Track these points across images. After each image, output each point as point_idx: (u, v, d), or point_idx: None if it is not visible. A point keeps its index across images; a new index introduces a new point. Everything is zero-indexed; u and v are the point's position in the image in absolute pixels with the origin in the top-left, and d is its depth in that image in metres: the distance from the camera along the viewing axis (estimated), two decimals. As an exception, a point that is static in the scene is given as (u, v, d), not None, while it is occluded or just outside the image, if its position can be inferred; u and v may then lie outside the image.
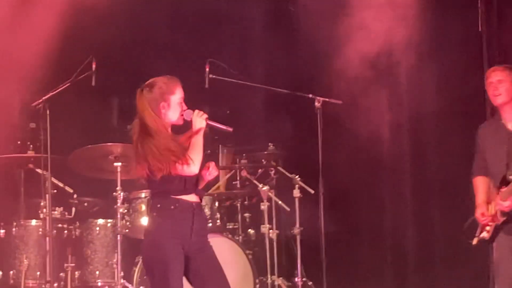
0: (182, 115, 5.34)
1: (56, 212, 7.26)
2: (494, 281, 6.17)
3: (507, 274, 6.03)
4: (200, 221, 5.29)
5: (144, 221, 7.17)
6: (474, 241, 6.21)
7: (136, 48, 8.47)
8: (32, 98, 7.19)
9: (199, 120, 5.31)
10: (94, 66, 7.02)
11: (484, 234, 6.12)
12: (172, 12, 8.35)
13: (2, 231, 7.29)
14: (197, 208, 5.27)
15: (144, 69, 7.92)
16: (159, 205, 5.23)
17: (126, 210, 7.22)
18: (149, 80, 5.38)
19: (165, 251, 5.15)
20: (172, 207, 5.20)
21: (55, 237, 7.10)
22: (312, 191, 7.42)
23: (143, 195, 7.26)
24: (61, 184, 7.41)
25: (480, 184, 6.21)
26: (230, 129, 5.49)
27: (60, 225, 7.32)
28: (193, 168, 5.19)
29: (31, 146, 7.49)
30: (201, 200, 5.36)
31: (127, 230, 7.19)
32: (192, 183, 5.29)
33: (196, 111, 5.35)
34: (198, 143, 5.27)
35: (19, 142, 7.65)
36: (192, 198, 5.27)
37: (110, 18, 7.89)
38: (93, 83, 7.05)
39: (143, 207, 7.25)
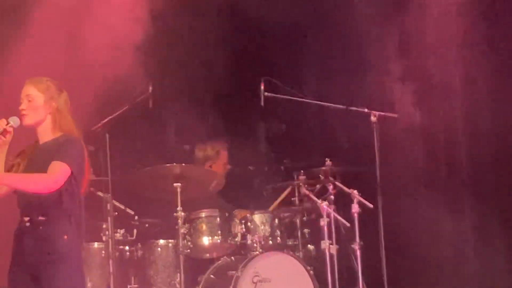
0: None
1: (118, 234, 7.32)
2: None
3: None
4: (32, 243, 5.09)
5: (206, 240, 7.24)
6: None
7: (191, 69, 8.53)
8: (90, 122, 7.31)
9: None
10: (150, 88, 7.16)
11: None
12: (224, 31, 8.40)
13: (66, 255, 7.37)
14: (27, 228, 5.09)
15: (199, 89, 8.03)
16: None
17: (187, 230, 7.27)
18: None
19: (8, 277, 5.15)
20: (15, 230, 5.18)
21: (118, 259, 7.16)
22: (371, 206, 7.41)
23: (203, 214, 7.30)
24: (122, 206, 7.47)
25: None
26: None
27: (122, 247, 7.38)
28: None
29: (91, 169, 7.55)
30: (38, 224, 5.09)
31: (188, 250, 7.23)
32: (24, 201, 5.14)
33: None
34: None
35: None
36: (25, 218, 5.12)
37: (165, 40, 7.96)
38: (150, 105, 7.18)
39: (204, 227, 7.28)
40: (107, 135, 7.00)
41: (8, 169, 5.25)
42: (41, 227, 5.09)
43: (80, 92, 7.42)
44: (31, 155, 5.27)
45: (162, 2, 7.55)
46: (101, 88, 7.46)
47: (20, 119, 5.25)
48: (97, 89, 7.45)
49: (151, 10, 7.44)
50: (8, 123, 5.19)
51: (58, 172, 5.09)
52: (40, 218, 5.10)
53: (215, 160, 7.98)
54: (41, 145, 5.29)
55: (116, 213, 7.24)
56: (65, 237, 5.12)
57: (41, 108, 5.26)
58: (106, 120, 7.09)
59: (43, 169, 5.11)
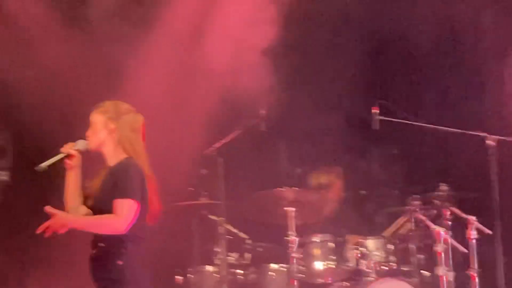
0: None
1: (231, 257, 7.32)
2: None
3: None
4: (95, 269, 5.22)
5: (319, 265, 7.18)
6: None
7: (301, 93, 8.47)
8: (202, 145, 7.35)
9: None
10: (263, 112, 7.18)
11: None
12: (342, 52, 8.32)
13: (180, 277, 7.40)
14: (91, 260, 5.24)
15: (312, 111, 7.97)
16: None
17: (300, 255, 7.19)
18: None
19: None
20: None
21: (231, 282, 7.17)
22: (490, 232, 7.19)
23: (317, 239, 7.24)
24: (234, 230, 7.48)
25: None
26: None
27: (235, 270, 7.36)
28: None
29: (204, 192, 7.58)
30: (98, 251, 5.21)
31: (302, 275, 7.15)
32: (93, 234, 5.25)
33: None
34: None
35: (191, 189, 7.74)
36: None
37: (271, 67, 7.93)
38: (263, 129, 7.19)
39: (317, 251, 7.21)
40: (221, 159, 7.03)
41: (86, 195, 5.35)
42: (101, 254, 5.21)
43: (193, 116, 7.53)
44: (102, 178, 5.33)
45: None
46: (215, 109, 7.52)
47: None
48: (212, 109, 7.50)
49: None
50: (74, 147, 5.30)
51: (125, 213, 5.13)
52: (100, 244, 5.22)
53: (330, 188, 7.93)
54: (108, 168, 5.36)
55: (231, 236, 7.25)
56: (120, 262, 5.16)
57: (100, 132, 5.35)
58: (219, 144, 7.12)
59: (110, 196, 5.16)
